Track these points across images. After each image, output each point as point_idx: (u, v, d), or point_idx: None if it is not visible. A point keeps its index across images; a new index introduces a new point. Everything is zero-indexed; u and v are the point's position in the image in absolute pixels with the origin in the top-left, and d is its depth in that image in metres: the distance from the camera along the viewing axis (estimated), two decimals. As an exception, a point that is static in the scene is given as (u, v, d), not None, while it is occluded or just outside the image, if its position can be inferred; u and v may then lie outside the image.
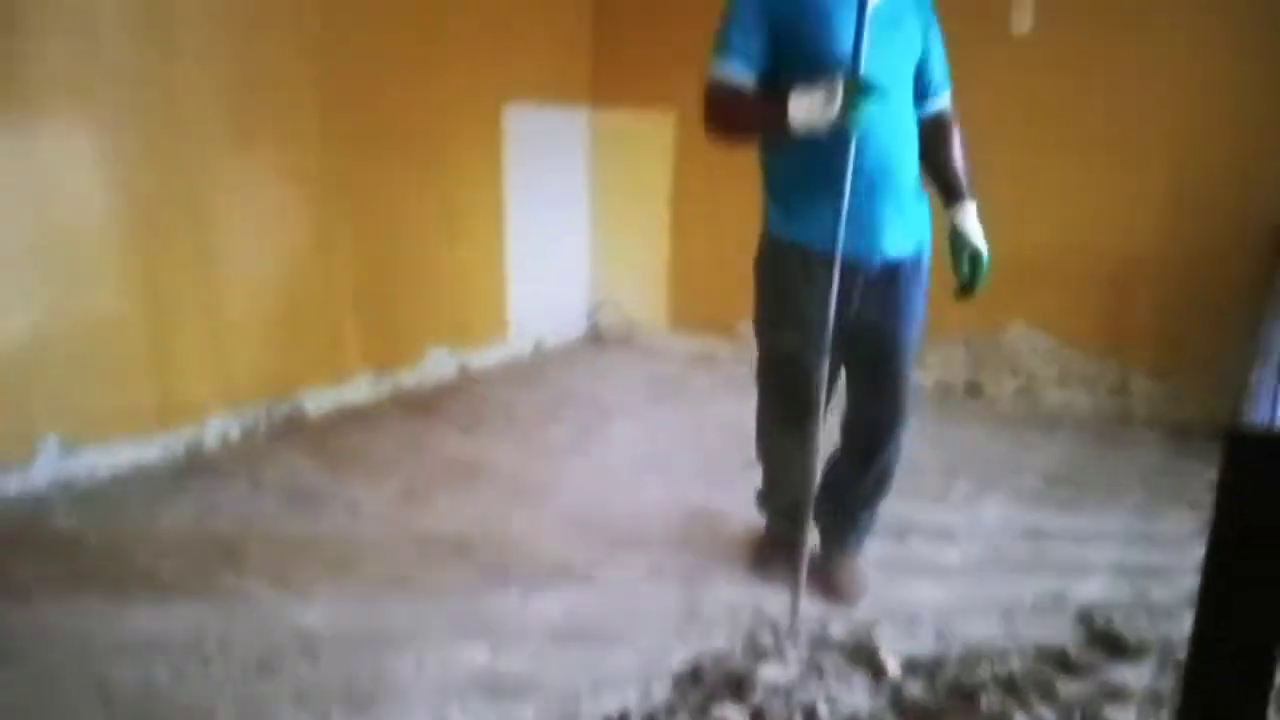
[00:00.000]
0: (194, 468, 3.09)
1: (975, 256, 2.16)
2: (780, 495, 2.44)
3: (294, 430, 3.43)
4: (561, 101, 4.45)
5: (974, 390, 3.97)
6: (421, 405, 3.75)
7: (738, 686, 1.98)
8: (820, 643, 2.16)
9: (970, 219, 2.19)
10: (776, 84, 2.00)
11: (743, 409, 3.73)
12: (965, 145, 2.25)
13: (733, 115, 2.09)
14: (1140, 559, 2.59)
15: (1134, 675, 2.05)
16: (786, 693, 1.96)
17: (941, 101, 2.23)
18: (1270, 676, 1.11)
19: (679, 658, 2.10)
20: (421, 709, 1.92)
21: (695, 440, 3.45)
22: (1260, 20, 3.22)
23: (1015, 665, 2.06)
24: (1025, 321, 3.81)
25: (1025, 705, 1.92)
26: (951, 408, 3.86)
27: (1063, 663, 2.09)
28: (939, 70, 2.19)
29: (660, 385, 4.12)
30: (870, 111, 1.87)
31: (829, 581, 2.36)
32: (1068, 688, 1.99)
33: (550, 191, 4.49)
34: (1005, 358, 3.89)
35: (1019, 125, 3.56)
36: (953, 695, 1.96)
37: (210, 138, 3.08)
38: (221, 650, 2.09)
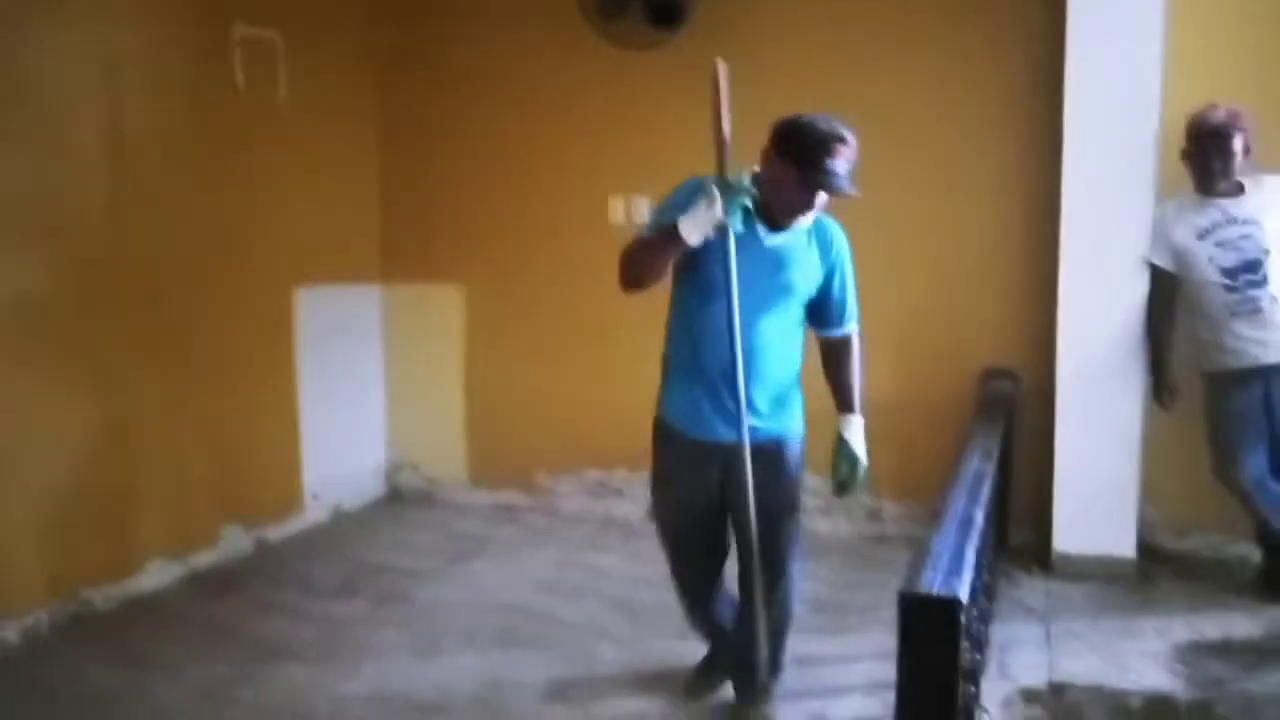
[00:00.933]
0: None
1: (853, 462, 2.55)
2: (696, 624, 2.83)
3: (80, 627, 3.32)
4: (352, 280, 4.66)
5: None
6: (219, 586, 3.72)
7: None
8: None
9: (853, 430, 2.57)
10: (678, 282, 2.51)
11: (541, 561, 3.98)
12: (862, 366, 2.63)
13: (637, 252, 2.42)
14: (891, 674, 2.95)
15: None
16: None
17: (843, 329, 2.60)
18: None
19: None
20: None
21: (495, 599, 3.60)
22: (969, 186, 3.91)
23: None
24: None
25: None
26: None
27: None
28: (846, 307, 2.58)
29: (462, 543, 4.25)
30: (741, 206, 2.26)
31: None
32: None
33: (344, 364, 4.64)
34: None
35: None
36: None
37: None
38: None
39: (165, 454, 3.71)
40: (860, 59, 4.00)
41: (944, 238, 3.96)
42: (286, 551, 4.14)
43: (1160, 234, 3.36)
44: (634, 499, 4.51)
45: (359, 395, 4.77)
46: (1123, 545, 3.56)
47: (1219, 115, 3.19)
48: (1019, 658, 2.97)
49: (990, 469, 2.52)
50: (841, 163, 2.29)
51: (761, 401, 2.49)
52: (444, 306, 4.73)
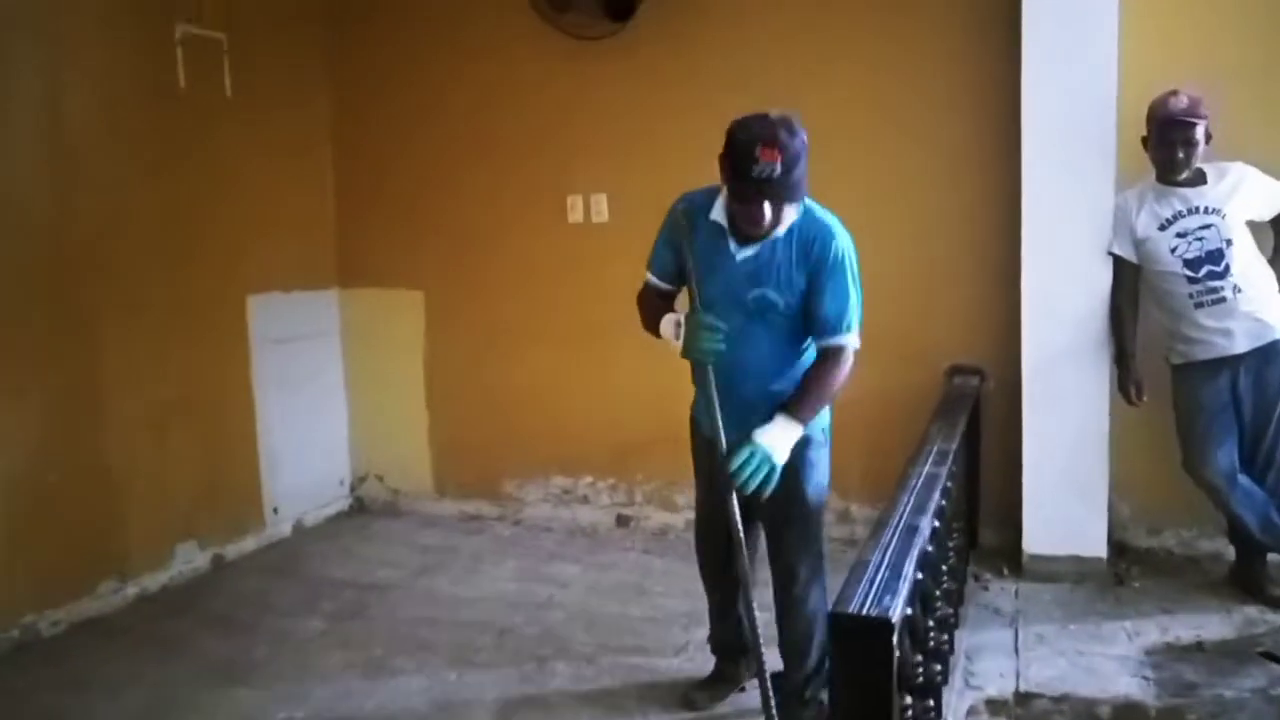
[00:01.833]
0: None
1: (753, 455, 2.31)
2: (714, 632, 2.82)
3: (26, 653, 3.22)
4: (309, 285, 4.56)
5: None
6: (171, 607, 3.62)
7: None
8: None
9: (773, 432, 2.34)
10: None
11: (504, 573, 3.88)
12: (841, 386, 2.44)
13: (641, 312, 2.62)
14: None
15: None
16: None
17: (828, 341, 2.42)
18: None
19: None
20: None
21: (454, 615, 3.50)
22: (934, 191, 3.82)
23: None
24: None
25: None
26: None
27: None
28: (829, 319, 2.38)
29: (426, 555, 4.15)
30: (710, 345, 2.32)
31: None
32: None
33: (303, 373, 4.54)
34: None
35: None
36: None
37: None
38: None
39: (113, 472, 3.60)
40: (813, 51, 3.90)
41: (906, 235, 3.87)
42: (245, 569, 4.05)
43: (1122, 224, 3.28)
44: (600, 506, 4.42)
45: (320, 405, 4.67)
46: (1093, 545, 3.47)
47: (1182, 102, 3.10)
48: (986, 665, 2.89)
49: (943, 472, 2.43)
50: (768, 166, 2.16)
51: (756, 412, 2.39)
52: (403, 311, 4.63)
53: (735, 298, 2.40)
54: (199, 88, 3.93)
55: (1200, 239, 3.12)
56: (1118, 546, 3.64)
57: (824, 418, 2.55)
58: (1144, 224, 3.22)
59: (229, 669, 3.09)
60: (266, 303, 4.29)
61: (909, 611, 1.90)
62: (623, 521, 4.38)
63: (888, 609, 1.57)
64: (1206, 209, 3.13)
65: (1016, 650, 2.98)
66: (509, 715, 2.76)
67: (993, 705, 2.67)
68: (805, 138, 2.24)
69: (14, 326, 3.27)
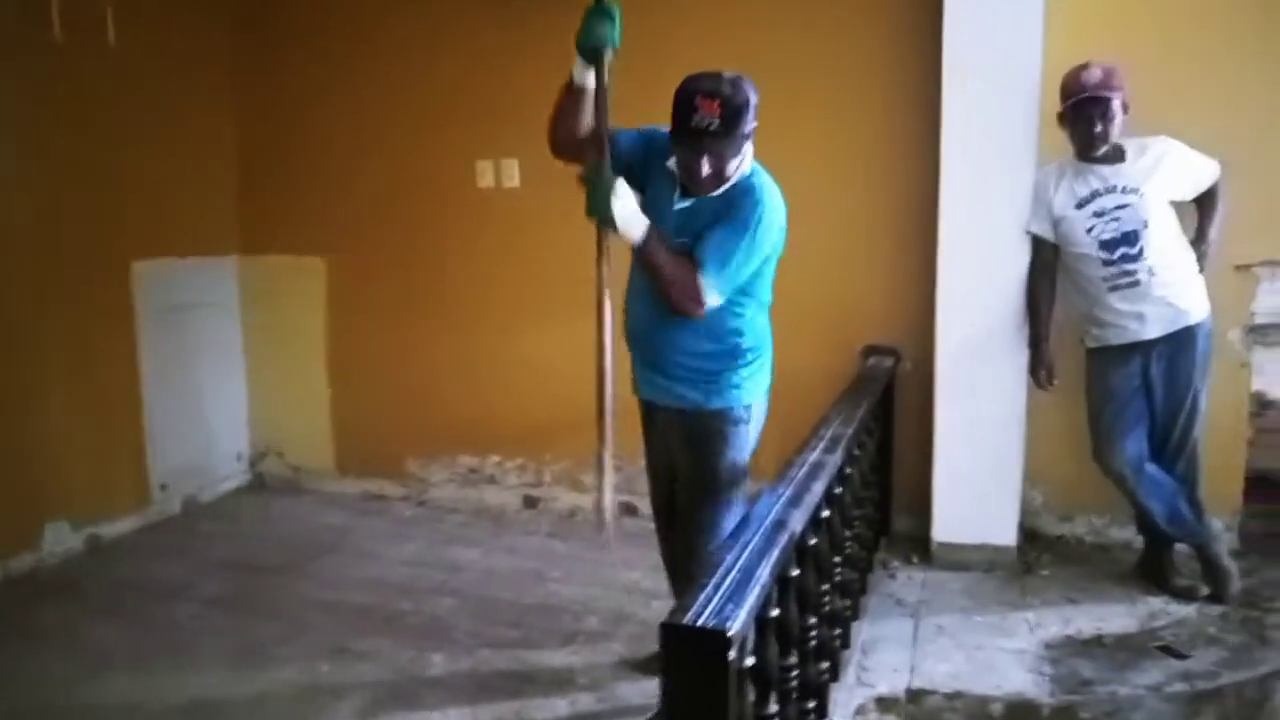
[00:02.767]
0: None
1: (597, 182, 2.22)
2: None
3: None
4: (206, 252, 4.32)
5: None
6: (36, 592, 3.40)
7: None
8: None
9: (626, 192, 2.23)
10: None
11: (400, 556, 3.71)
12: (664, 272, 2.24)
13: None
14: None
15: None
16: None
17: None
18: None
19: None
20: None
21: (341, 600, 3.32)
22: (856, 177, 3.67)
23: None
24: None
25: None
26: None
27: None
28: (702, 253, 2.21)
29: (321, 536, 3.96)
30: (605, 210, 2.17)
31: None
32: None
33: (198, 343, 4.31)
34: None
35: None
36: None
37: None
38: None
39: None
40: (731, 33, 3.71)
41: (825, 215, 3.68)
42: (125, 549, 3.83)
43: (1040, 202, 3.15)
44: (508, 486, 4.25)
45: (217, 378, 4.43)
46: (1004, 533, 3.38)
47: (1095, 75, 2.95)
48: (882, 659, 2.77)
49: (833, 460, 2.29)
50: (706, 118, 2.13)
51: (675, 368, 2.37)
52: (305, 280, 4.40)
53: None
54: (79, 39, 3.66)
55: (1116, 219, 3.00)
56: (1028, 534, 3.55)
57: (746, 394, 2.41)
58: (1061, 202, 3.09)
59: (97, 659, 2.89)
60: (156, 269, 4.04)
61: (776, 612, 1.77)
62: (530, 503, 4.22)
63: (728, 620, 1.42)
64: (1124, 188, 3.01)
65: (915, 643, 2.87)
66: (373, 709, 2.60)
67: (883, 703, 2.56)
68: (755, 99, 2.20)
69: None
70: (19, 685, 2.76)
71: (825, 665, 2.38)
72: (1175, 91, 3.17)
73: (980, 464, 3.35)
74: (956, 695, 2.58)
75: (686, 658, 1.42)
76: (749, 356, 2.40)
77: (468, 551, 3.76)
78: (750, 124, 2.21)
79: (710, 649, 1.40)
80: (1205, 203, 3.13)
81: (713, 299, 2.23)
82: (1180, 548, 3.18)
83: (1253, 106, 3.26)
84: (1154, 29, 3.29)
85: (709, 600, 1.48)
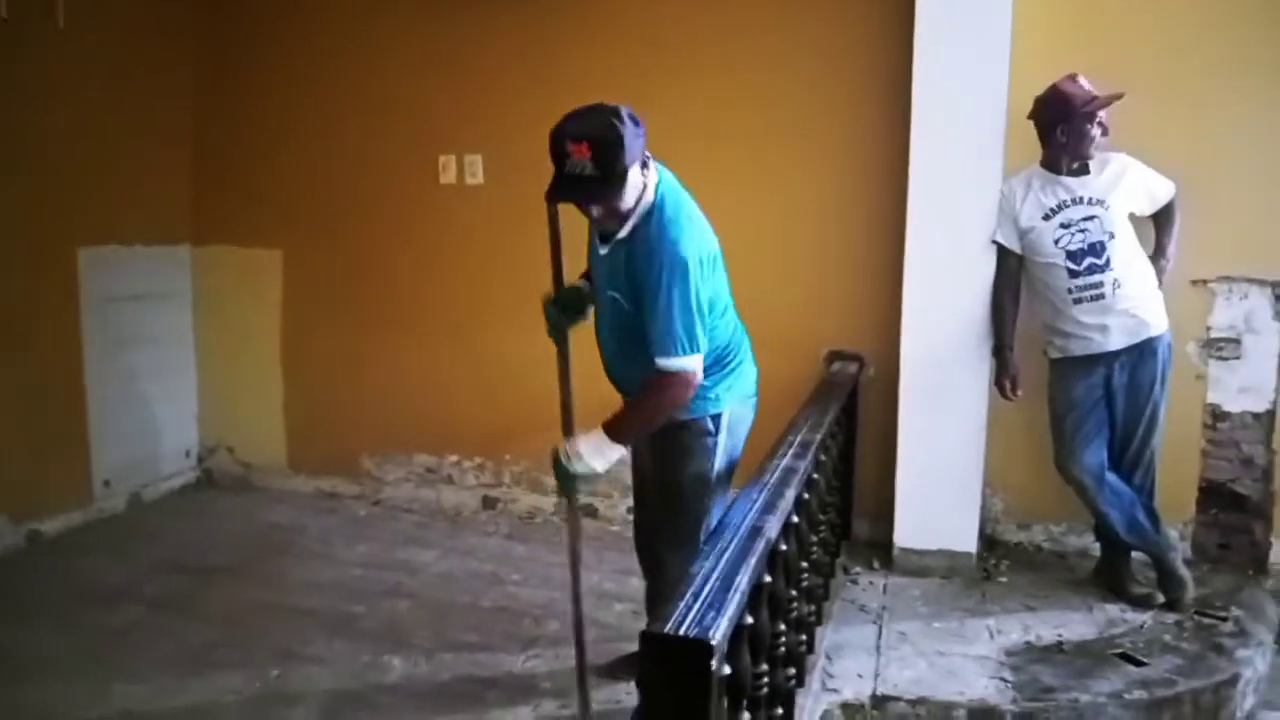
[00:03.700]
0: None
1: (561, 476, 2.29)
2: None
3: None
4: (156, 240, 4.18)
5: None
6: (-29, 590, 3.27)
7: None
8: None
9: (579, 440, 2.24)
10: None
11: (353, 557, 3.61)
12: (651, 412, 2.25)
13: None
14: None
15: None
16: None
17: (656, 362, 2.17)
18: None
19: None
20: None
21: (291, 603, 3.22)
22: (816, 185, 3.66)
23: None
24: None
25: None
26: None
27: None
28: (654, 339, 2.15)
29: (272, 535, 3.86)
30: (552, 334, 2.42)
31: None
32: None
33: (146, 335, 4.18)
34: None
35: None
36: None
37: None
38: None
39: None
40: (699, 32, 3.69)
41: (792, 222, 3.71)
42: (66, 546, 3.69)
43: (1007, 212, 3.16)
44: (466, 486, 4.18)
45: (166, 371, 4.30)
46: (964, 539, 3.39)
47: (1089, 87, 3.00)
48: (846, 665, 2.76)
49: (803, 465, 2.27)
50: (579, 164, 2.03)
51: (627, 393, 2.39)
52: (260, 272, 4.29)
53: (601, 293, 2.35)
54: (25, 18, 3.53)
55: (1084, 230, 3.03)
56: (988, 540, 3.58)
57: (714, 404, 2.36)
58: (1028, 213, 3.11)
59: (31, 664, 2.77)
60: (102, 257, 3.91)
61: (750, 620, 1.74)
62: (489, 503, 4.15)
63: (710, 629, 1.38)
64: (1091, 199, 3.04)
65: (879, 649, 2.86)
66: (327, 718, 2.52)
67: (848, 710, 2.55)
68: (631, 130, 2.06)
69: None
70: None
71: (792, 671, 2.35)
72: (1134, 113, 3.20)
73: (942, 470, 3.36)
74: (920, 701, 2.58)
75: (668, 667, 1.38)
76: (716, 367, 2.35)
77: (424, 553, 3.68)
78: (631, 158, 2.06)
79: (692, 658, 1.36)
80: (1163, 219, 3.17)
81: (691, 363, 2.17)
82: (1137, 556, 3.22)
83: (1209, 127, 3.31)
84: (1116, 51, 3.31)
85: (689, 609, 1.44)
